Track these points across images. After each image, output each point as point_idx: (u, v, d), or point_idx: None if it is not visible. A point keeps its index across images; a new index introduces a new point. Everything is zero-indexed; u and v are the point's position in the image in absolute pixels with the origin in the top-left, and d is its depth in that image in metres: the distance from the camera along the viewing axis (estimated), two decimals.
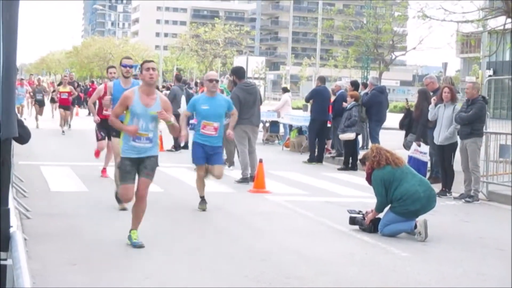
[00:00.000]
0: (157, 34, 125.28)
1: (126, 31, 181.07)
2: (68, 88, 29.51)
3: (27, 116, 34.10)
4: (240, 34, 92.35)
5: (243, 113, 15.89)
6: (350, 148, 19.58)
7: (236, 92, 16.11)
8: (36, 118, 31.29)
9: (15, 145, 10.25)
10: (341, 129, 19.64)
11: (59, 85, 33.98)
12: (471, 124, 14.24)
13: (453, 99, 14.78)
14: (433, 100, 15.33)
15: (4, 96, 4.55)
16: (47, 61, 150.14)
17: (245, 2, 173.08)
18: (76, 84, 35.27)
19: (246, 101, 15.99)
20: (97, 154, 15.08)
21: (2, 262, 4.60)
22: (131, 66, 12.38)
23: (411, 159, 15.54)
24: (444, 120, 14.68)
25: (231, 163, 18.26)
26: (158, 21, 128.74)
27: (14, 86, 4.61)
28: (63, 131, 27.97)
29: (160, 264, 8.21)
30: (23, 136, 6.44)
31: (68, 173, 15.94)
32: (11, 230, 4.73)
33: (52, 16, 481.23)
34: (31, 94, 33.59)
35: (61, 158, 18.72)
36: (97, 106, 14.15)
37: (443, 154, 14.88)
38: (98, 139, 14.52)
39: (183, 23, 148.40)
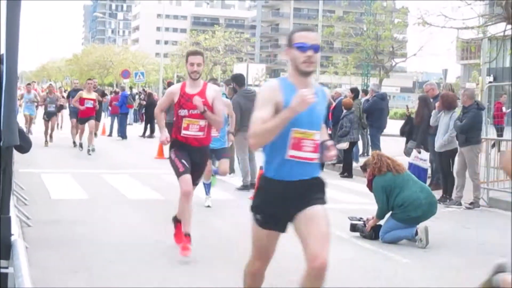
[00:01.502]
0: (157, 42, 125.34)
1: (126, 39, 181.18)
2: (94, 95, 23.71)
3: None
4: (240, 41, 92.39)
5: (244, 120, 15.90)
6: (348, 155, 19.61)
7: (237, 99, 16.12)
8: (46, 134, 25.57)
9: (15, 153, 10.25)
10: (336, 139, 19.72)
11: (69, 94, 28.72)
12: (466, 133, 14.25)
13: (449, 107, 14.75)
14: (436, 105, 15.35)
15: (6, 104, 4.56)
16: (47, 68, 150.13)
17: (245, 9, 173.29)
18: (101, 93, 29.10)
19: (247, 108, 15.98)
20: (185, 196, 9.51)
21: (3, 270, 4.59)
22: None
23: (411, 166, 15.53)
24: (442, 127, 14.69)
25: (231, 170, 18.29)
26: (158, 29, 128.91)
27: (15, 94, 4.62)
28: (89, 150, 22.48)
29: (160, 271, 8.20)
30: (23, 146, 6.42)
31: (69, 181, 15.93)
32: (12, 238, 4.73)
33: (52, 24, 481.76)
34: (42, 102, 27.29)
35: (61, 166, 18.74)
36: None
37: (441, 160, 14.90)
38: (179, 172, 9.65)
39: (183, 30, 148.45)
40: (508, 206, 14.19)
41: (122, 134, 30.39)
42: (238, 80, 16.77)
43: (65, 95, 33.14)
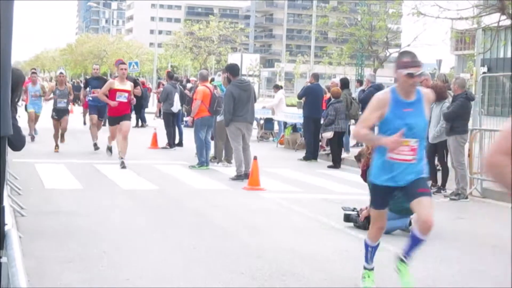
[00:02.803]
0: (152, 32, 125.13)
1: (120, 29, 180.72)
2: (129, 86, 17.08)
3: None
4: (234, 31, 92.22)
5: (237, 110, 15.91)
6: (334, 145, 19.59)
7: (231, 89, 16.11)
8: (56, 138, 20.16)
9: None
10: (322, 128, 19.79)
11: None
12: (452, 121, 14.24)
13: (439, 98, 14.71)
14: None
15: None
16: (41, 58, 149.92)
17: None
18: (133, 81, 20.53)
19: (240, 98, 15.98)
20: None
21: None
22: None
23: None
24: (433, 118, 14.68)
25: (219, 159, 18.36)
26: (152, 19, 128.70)
27: (9, 84, 4.60)
28: (122, 162, 16.67)
29: (155, 262, 8.20)
30: (15, 144, 6.40)
31: (63, 171, 15.92)
32: (6, 228, 4.72)
33: (46, 14, 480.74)
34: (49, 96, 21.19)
35: (55, 156, 18.71)
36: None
37: (436, 152, 14.90)
38: None
39: (177, 20, 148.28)
40: (502, 197, 14.21)
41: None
42: (232, 70, 16.74)
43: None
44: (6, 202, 5.34)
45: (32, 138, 22.36)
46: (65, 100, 20.58)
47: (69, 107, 22.11)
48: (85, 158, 17.61)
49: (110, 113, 17.22)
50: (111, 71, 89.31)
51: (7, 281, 4.24)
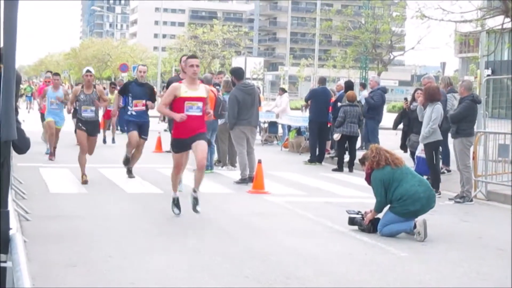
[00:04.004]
0: (155, 35, 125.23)
1: (124, 33, 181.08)
2: (203, 90, 11.36)
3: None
4: (238, 35, 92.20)
5: (241, 114, 15.92)
6: (340, 148, 19.54)
7: (235, 93, 16.11)
8: (84, 164, 14.98)
9: None
10: (334, 130, 19.75)
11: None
12: (458, 124, 14.23)
13: (432, 99, 14.67)
14: (419, 100, 15.40)
15: (4, 98, 4.55)
16: (45, 62, 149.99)
17: (243, 2, 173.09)
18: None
19: (244, 102, 15.99)
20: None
21: (2, 265, 4.59)
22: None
23: (419, 159, 15.19)
24: (425, 119, 14.65)
25: (224, 163, 18.36)
26: (156, 22, 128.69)
27: (13, 87, 4.61)
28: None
29: (159, 265, 8.21)
30: (20, 147, 6.40)
31: (67, 175, 15.93)
32: (11, 232, 4.73)
33: (50, 18, 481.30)
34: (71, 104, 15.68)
35: (60, 160, 18.72)
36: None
37: (426, 153, 14.86)
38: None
39: (181, 24, 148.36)
40: (507, 199, 14.21)
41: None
42: (236, 74, 16.73)
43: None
44: (11, 206, 5.35)
45: (51, 155, 19.07)
46: (93, 108, 14.99)
47: (100, 117, 16.25)
48: (89, 162, 17.58)
49: (177, 134, 11.54)
50: (115, 75, 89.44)
51: (12, 285, 4.25)
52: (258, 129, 21.99)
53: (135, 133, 15.18)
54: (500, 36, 24.56)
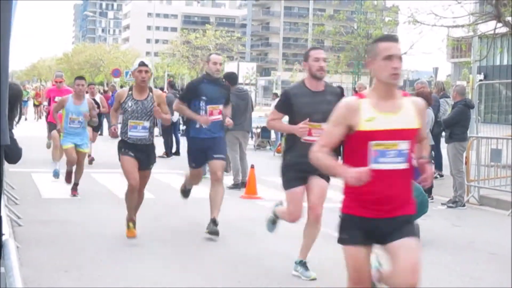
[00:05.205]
0: (148, 41, 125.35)
1: (116, 38, 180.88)
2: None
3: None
4: (231, 40, 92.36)
5: (235, 119, 15.84)
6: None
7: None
8: (133, 208, 10.08)
9: None
10: None
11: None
12: (451, 128, 14.26)
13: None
14: None
15: None
16: (38, 67, 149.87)
17: (236, 8, 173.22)
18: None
19: (238, 107, 15.98)
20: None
21: None
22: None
23: None
24: None
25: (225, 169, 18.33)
26: (149, 28, 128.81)
27: (6, 94, 4.60)
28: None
29: (152, 270, 8.20)
30: (11, 156, 6.38)
31: (60, 180, 15.90)
32: (3, 237, 4.72)
33: (42, 23, 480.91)
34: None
35: (52, 165, 18.67)
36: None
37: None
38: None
39: (174, 29, 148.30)
40: (499, 204, 14.24)
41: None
42: (230, 79, 16.70)
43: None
44: (3, 211, 5.34)
45: (74, 190, 13.75)
46: (147, 125, 9.75)
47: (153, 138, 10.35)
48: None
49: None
50: (108, 80, 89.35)
51: None
52: (250, 134, 21.96)
53: (215, 163, 10.55)
54: (492, 41, 24.59)
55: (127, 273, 8.12)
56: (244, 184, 15.19)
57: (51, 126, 16.70)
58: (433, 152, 15.43)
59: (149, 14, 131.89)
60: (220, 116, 10.57)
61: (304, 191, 8.00)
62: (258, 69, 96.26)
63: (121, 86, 51.36)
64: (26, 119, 42.46)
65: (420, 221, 10.49)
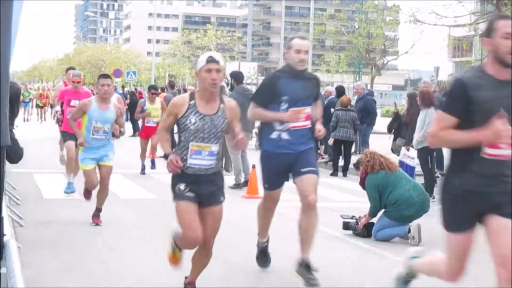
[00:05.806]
0: (149, 41, 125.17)
1: (118, 38, 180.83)
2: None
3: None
4: (232, 40, 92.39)
5: None
6: (335, 153, 19.52)
7: (233, 96, 16.06)
8: None
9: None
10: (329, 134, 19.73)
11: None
12: None
13: (427, 104, 14.67)
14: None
15: None
16: (39, 68, 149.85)
17: (237, 7, 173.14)
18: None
19: (243, 106, 15.92)
20: None
21: None
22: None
23: (401, 163, 15.32)
24: (418, 124, 14.65)
25: (227, 168, 18.33)
26: (150, 28, 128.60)
27: (7, 93, 4.60)
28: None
29: (154, 271, 8.19)
30: (12, 156, 6.38)
31: (61, 180, 15.88)
32: (5, 238, 4.72)
33: (43, 23, 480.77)
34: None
35: (53, 166, 18.66)
36: None
37: (419, 157, 14.88)
38: None
39: (175, 29, 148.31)
40: None
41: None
42: (236, 77, 16.77)
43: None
44: (5, 212, 5.34)
45: (96, 217, 11.32)
46: (215, 150, 7.15)
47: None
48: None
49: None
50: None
51: None
52: (252, 134, 21.94)
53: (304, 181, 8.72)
54: None
55: (129, 273, 8.11)
56: (246, 184, 15.19)
57: (66, 136, 13.60)
58: (435, 152, 15.41)
59: (150, 14, 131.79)
60: (308, 123, 8.13)
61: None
62: (259, 69, 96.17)
63: (123, 87, 51.25)
64: (29, 120, 42.43)
65: (421, 221, 10.51)
